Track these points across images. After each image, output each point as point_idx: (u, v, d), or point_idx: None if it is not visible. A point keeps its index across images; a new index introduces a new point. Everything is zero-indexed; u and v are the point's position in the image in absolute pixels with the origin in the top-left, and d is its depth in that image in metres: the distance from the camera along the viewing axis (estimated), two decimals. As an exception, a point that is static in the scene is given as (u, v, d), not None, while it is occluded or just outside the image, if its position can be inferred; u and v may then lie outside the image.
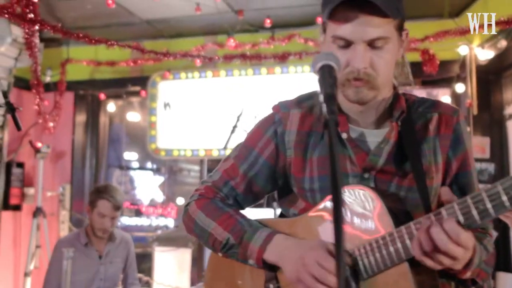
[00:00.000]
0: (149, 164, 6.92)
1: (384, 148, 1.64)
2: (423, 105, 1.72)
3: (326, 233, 1.58)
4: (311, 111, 1.76)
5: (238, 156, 1.82)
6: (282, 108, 1.80)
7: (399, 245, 1.44)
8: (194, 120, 5.76)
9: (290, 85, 5.44)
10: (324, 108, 1.21)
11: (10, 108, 3.39)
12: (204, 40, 5.80)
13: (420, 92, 6.54)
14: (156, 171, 6.77)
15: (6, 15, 3.79)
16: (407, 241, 1.43)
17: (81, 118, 6.36)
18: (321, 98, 1.24)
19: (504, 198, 1.30)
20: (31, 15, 4.07)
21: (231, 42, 5.45)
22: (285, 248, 1.60)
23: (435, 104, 1.72)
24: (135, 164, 7.03)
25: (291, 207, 1.78)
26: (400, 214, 1.53)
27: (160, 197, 6.52)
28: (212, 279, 1.86)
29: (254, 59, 5.28)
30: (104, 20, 5.53)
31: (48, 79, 6.07)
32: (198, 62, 5.53)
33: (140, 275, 4.60)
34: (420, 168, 1.63)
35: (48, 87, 6.07)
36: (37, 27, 4.40)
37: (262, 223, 1.71)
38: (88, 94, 6.30)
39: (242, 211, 1.80)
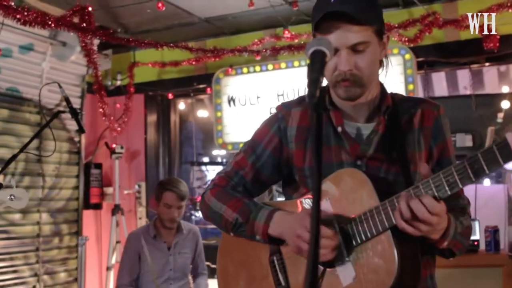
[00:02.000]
0: (220, 159, 7.10)
1: (373, 139, 1.88)
2: (408, 102, 1.97)
3: (322, 209, 1.76)
4: None
5: (246, 150, 2.08)
6: (284, 107, 2.06)
7: (383, 216, 1.70)
8: (259, 112, 5.86)
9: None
10: (306, 91, 1.33)
11: (73, 113, 3.65)
12: (263, 34, 5.89)
13: (489, 69, 6.34)
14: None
15: (64, 27, 4.04)
16: (390, 213, 1.68)
17: (152, 118, 6.62)
18: (306, 82, 1.35)
19: (469, 171, 1.55)
20: (85, 24, 4.31)
21: (287, 34, 5.51)
22: (285, 221, 1.85)
23: (419, 101, 1.98)
24: (207, 160, 7.23)
25: (294, 193, 2.03)
26: (388, 194, 1.73)
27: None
28: (223, 256, 2.13)
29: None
30: (165, 22, 5.74)
31: (118, 82, 6.38)
32: (257, 56, 5.64)
33: (208, 263, 4.79)
34: (405, 155, 1.87)
35: (120, 91, 6.38)
36: (94, 35, 4.64)
37: (267, 204, 1.98)
38: (157, 95, 6.54)
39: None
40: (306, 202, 1.92)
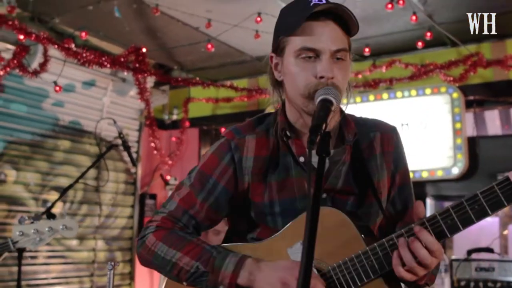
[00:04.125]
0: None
1: (342, 170, 1.71)
2: (365, 125, 1.79)
3: (296, 254, 1.62)
4: (266, 135, 1.78)
5: (194, 184, 1.79)
6: (237, 135, 1.79)
7: (374, 261, 1.54)
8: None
9: (398, 110, 5.51)
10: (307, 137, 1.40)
11: (125, 146, 3.90)
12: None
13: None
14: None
15: (118, 67, 4.34)
16: (382, 258, 1.54)
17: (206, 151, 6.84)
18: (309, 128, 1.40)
19: (470, 212, 1.44)
20: (138, 64, 4.59)
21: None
22: (259, 271, 1.61)
23: (376, 124, 1.81)
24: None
25: (250, 231, 1.79)
26: (362, 229, 1.61)
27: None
28: None
29: (358, 87, 5.44)
30: (219, 60, 6.01)
31: (175, 117, 6.67)
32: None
33: None
34: (372, 185, 1.72)
35: (176, 125, 6.66)
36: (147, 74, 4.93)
37: (229, 249, 1.72)
38: (211, 129, 6.78)
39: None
40: (275, 244, 1.68)
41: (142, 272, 6.36)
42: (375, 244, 1.55)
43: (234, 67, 6.21)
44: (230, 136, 1.80)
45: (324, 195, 1.69)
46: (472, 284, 4.01)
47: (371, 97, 5.70)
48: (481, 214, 1.44)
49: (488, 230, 5.36)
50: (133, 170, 6.25)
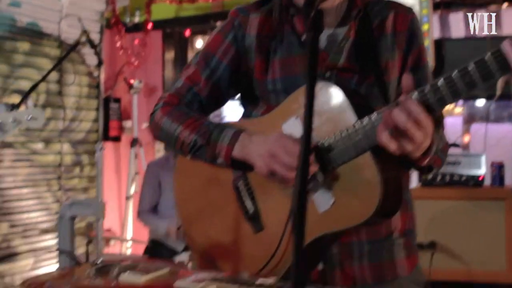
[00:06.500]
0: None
1: (344, 47, 1.68)
2: (379, 5, 1.75)
3: (290, 128, 1.63)
4: (270, 14, 1.78)
5: (199, 62, 1.84)
6: (241, 12, 1.81)
7: (361, 135, 1.49)
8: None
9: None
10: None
11: (91, 45, 3.81)
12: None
13: (507, 10, 6.29)
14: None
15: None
16: (369, 131, 1.48)
17: (170, 55, 6.72)
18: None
19: (460, 84, 1.33)
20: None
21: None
22: (251, 143, 1.65)
23: (391, 4, 1.76)
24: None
25: (254, 109, 1.83)
26: (362, 108, 1.56)
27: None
28: (181, 179, 1.93)
29: None
30: (183, -42, 5.79)
31: (136, 19, 6.47)
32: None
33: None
34: (378, 64, 1.69)
35: (138, 27, 6.48)
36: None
37: (225, 124, 1.77)
38: (175, 32, 6.63)
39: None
40: (272, 119, 1.70)
41: (109, 175, 6.39)
42: (365, 117, 1.50)
43: (198, -35, 6.00)
44: (235, 15, 1.82)
45: (328, 74, 1.68)
46: (439, 177, 4.17)
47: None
48: (472, 85, 1.33)
49: (450, 129, 5.51)
50: (96, 73, 6.11)
